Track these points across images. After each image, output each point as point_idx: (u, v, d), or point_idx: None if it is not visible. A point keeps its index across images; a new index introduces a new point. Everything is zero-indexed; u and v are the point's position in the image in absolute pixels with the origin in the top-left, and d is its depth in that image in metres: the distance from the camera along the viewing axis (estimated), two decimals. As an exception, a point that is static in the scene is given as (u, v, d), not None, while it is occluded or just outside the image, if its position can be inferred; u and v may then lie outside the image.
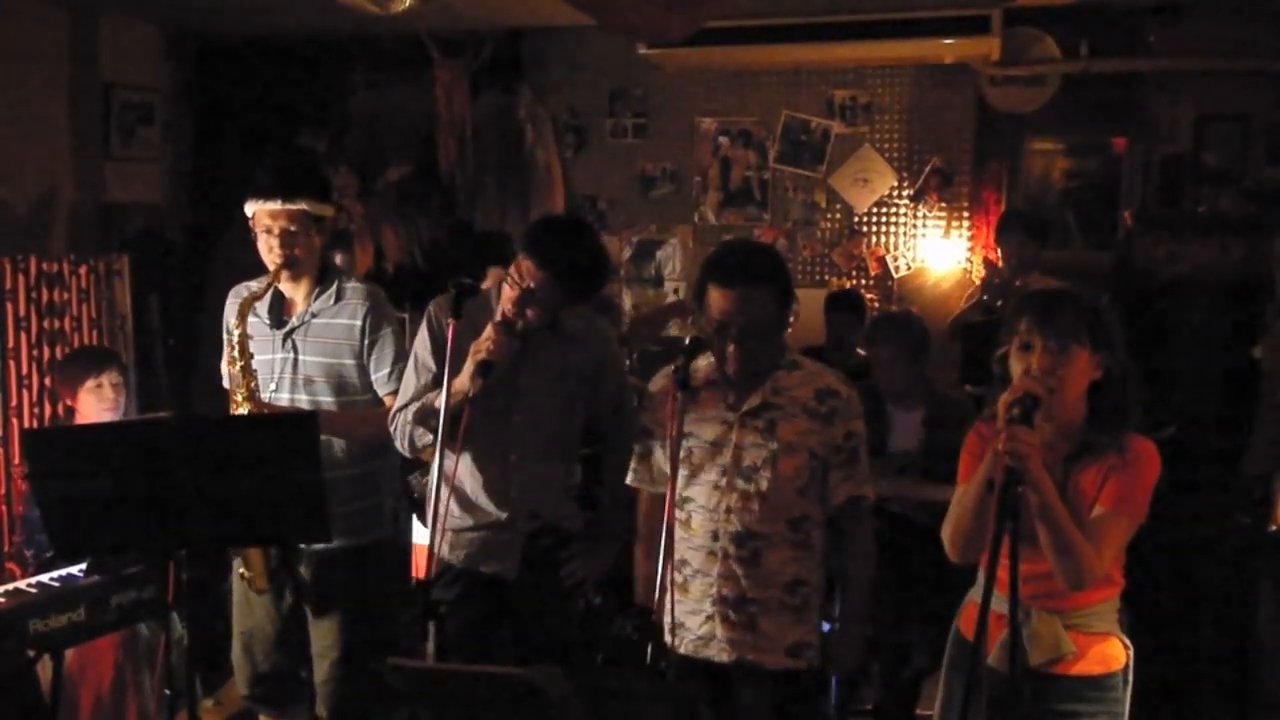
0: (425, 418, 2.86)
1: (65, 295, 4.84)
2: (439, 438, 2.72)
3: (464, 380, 2.73)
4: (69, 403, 3.99)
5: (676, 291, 5.99)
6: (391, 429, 2.95)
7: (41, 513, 2.71)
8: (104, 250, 5.30)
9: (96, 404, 3.87)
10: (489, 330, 2.76)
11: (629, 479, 2.87)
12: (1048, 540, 2.24)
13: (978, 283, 5.36)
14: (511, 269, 2.83)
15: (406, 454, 3.00)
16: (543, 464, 2.97)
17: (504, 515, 2.95)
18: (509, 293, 2.82)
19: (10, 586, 3.25)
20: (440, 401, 2.72)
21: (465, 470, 2.97)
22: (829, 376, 2.75)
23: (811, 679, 2.73)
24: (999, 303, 4.84)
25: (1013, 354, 2.34)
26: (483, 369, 2.72)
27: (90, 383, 3.87)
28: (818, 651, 2.72)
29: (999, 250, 5.15)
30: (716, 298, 2.61)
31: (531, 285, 2.78)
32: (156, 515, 2.52)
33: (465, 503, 2.98)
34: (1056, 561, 2.25)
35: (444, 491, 2.80)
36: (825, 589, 2.82)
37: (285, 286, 3.15)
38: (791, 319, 2.88)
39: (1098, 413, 2.34)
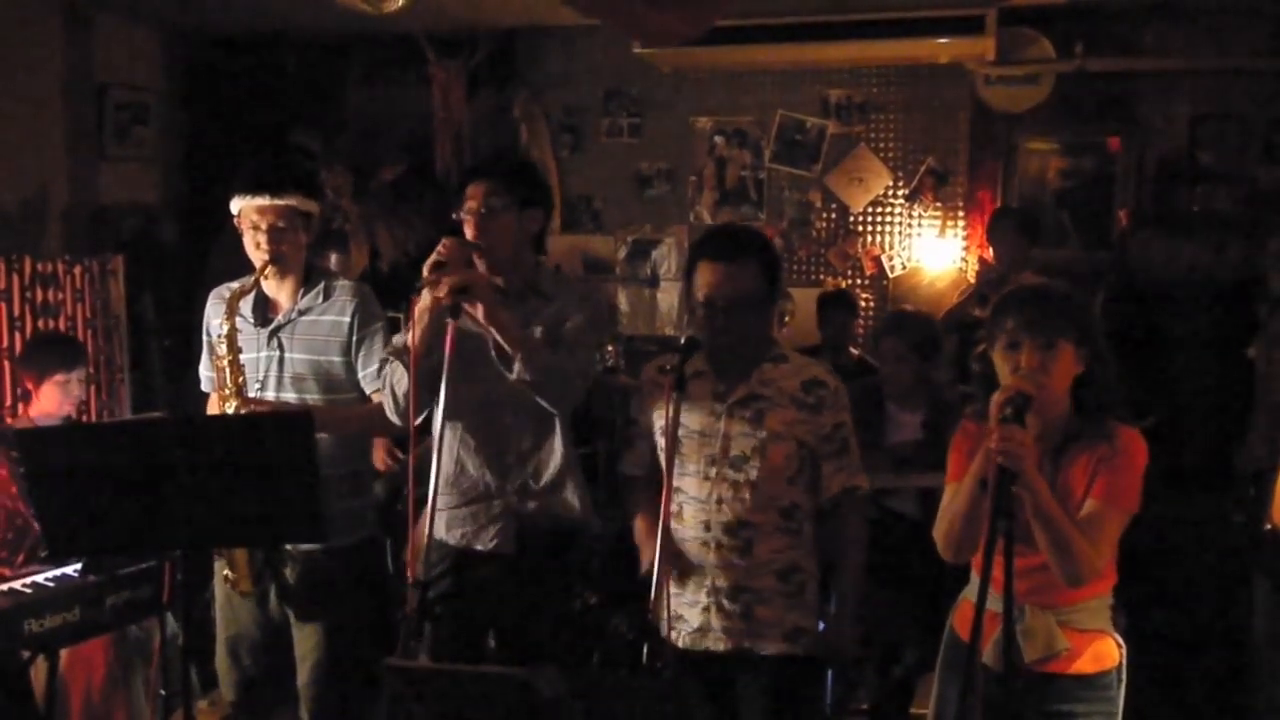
0: (399, 353, 2.82)
1: (60, 295, 4.85)
2: (414, 420, 2.70)
3: (424, 299, 2.71)
4: (28, 386, 3.89)
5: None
6: (384, 402, 2.92)
7: (37, 513, 2.71)
8: (99, 250, 5.30)
9: (61, 398, 3.82)
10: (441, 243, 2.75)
11: (622, 466, 2.90)
12: (1044, 539, 2.25)
13: (972, 280, 5.36)
14: (463, 211, 2.87)
15: (396, 418, 2.91)
16: (539, 426, 2.92)
17: (496, 481, 2.91)
18: (468, 230, 2.84)
19: (5, 587, 3.25)
20: (410, 345, 2.70)
21: (455, 440, 2.92)
22: (816, 368, 2.78)
23: (809, 666, 2.73)
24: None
25: (999, 352, 2.35)
26: (435, 268, 2.69)
27: (60, 377, 3.81)
28: (814, 638, 2.73)
29: (991, 249, 5.16)
30: (705, 273, 2.66)
31: (477, 205, 2.82)
32: (152, 515, 2.52)
33: (455, 477, 2.94)
34: (1054, 559, 2.26)
35: (438, 469, 2.78)
36: (820, 580, 2.82)
37: (270, 285, 3.11)
38: (786, 319, 2.91)
39: (1082, 404, 2.35)
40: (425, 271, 2.70)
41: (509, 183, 2.88)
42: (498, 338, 2.73)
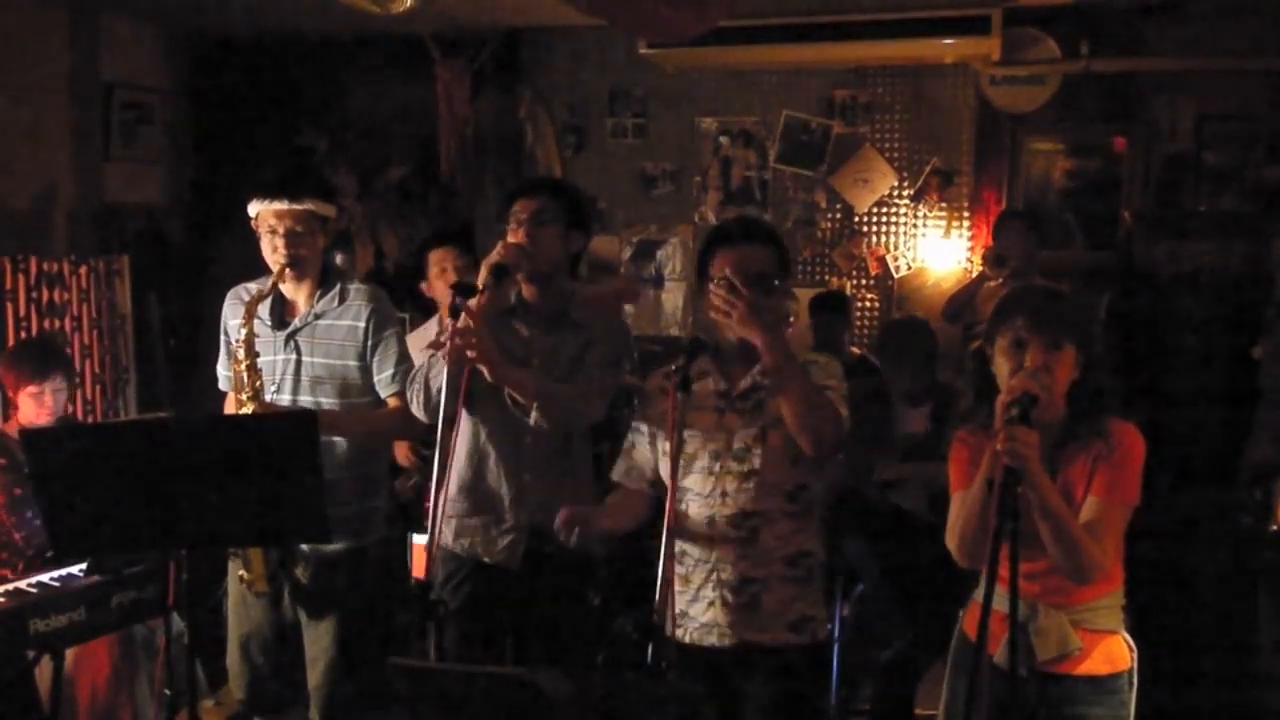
0: (441, 347, 2.80)
1: (65, 295, 4.86)
2: (439, 426, 2.72)
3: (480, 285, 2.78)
4: (9, 394, 3.87)
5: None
6: (409, 395, 2.94)
7: (42, 513, 2.72)
8: (104, 250, 5.31)
9: (35, 409, 3.78)
10: (499, 245, 2.85)
11: (614, 474, 2.89)
12: (1051, 538, 2.25)
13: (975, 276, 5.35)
14: (510, 221, 2.93)
15: (424, 415, 2.93)
16: (558, 446, 2.96)
17: (511, 495, 2.94)
18: (512, 237, 2.90)
19: (10, 586, 3.25)
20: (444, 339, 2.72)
21: (476, 450, 2.96)
22: (811, 353, 2.83)
23: (813, 656, 2.75)
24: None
25: (1002, 351, 2.36)
26: (497, 272, 2.76)
27: (32, 388, 3.77)
28: (821, 626, 2.73)
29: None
30: (723, 257, 2.69)
31: (528, 215, 2.90)
32: (156, 515, 2.52)
33: (470, 486, 2.97)
34: (1061, 558, 2.26)
35: (449, 478, 2.79)
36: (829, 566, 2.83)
37: (287, 288, 3.13)
38: (791, 319, 2.92)
39: (1076, 405, 2.37)
40: (484, 271, 2.78)
41: (559, 200, 2.98)
42: (510, 392, 2.80)
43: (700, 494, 2.70)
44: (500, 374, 2.77)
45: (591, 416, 2.93)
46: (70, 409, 4.05)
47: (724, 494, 2.68)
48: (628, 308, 6.00)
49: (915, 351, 4.11)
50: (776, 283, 2.71)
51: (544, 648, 2.95)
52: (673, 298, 6.03)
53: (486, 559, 2.97)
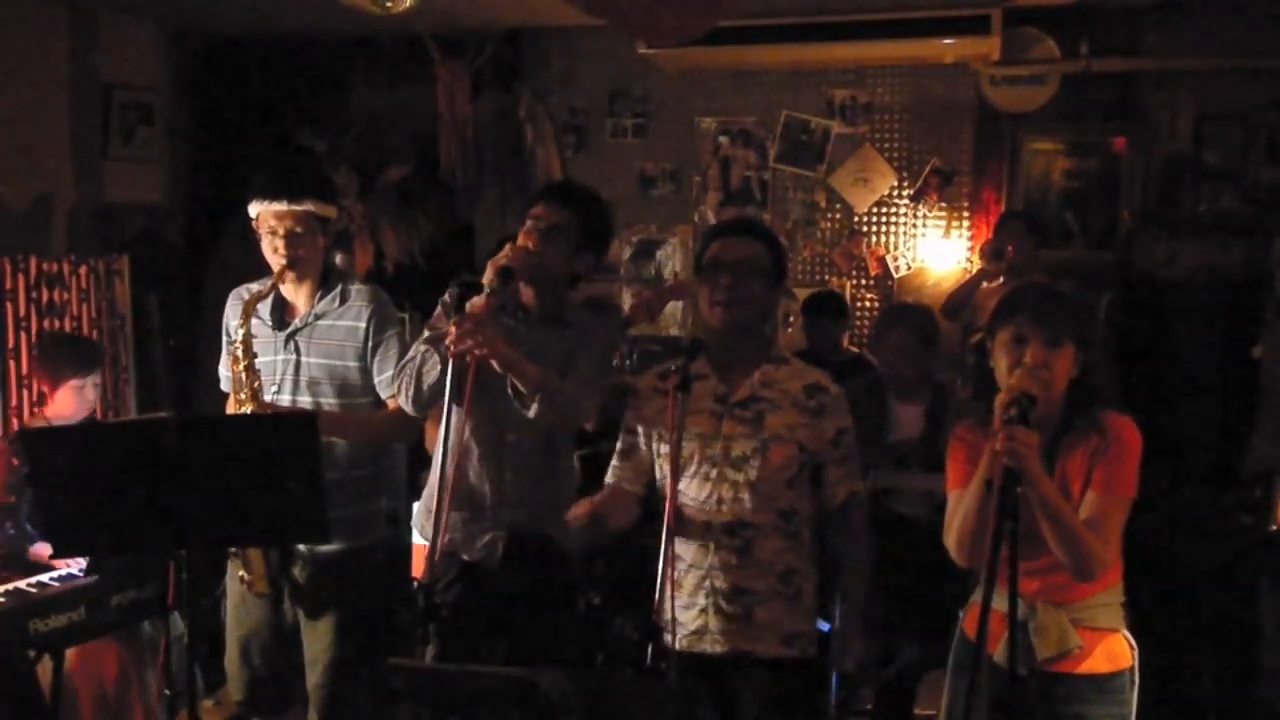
0: (436, 341, 2.80)
1: (65, 295, 4.85)
2: (443, 432, 2.71)
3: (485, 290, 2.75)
4: (43, 388, 3.86)
5: (676, 274, 5.95)
6: (397, 386, 2.91)
7: (41, 512, 2.72)
8: (104, 250, 5.30)
9: (76, 402, 3.79)
10: (506, 248, 2.81)
11: (608, 476, 2.88)
12: (1053, 536, 2.25)
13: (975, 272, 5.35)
14: (527, 222, 2.89)
15: (411, 408, 2.89)
16: (542, 446, 2.94)
17: (492, 495, 2.92)
18: (525, 238, 2.85)
19: (10, 586, 3.25)
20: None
21: (459, 446, 2.88)
22: (817, 374, 2.80)
23: (807, 669, 2.74)
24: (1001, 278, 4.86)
25: (1002, 346, 2.37)
26: (503, 274, 2.73)
27: (76, 382, 3.79)
28: (812, 641, 2.73)
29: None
30: (716, 247, 2.73)
31: (544, 225, 2.86)
32: (156, 515, 2.52)
33: (454, 483, 2.93)
34: (1064, 556, 2.27)
35: (444, 481, 2.78)
36: (820, 586, 2.82)
37: (287, 288, 3.13)
38: (791, 319, 2.92)
39: (1075, 401, 2.38)
40: (489, 272, 2.74)
41: (578, 218, 2.91)
42: (515, 381, 2.75)
43: (695, 499, 2.69)
44: (508, 361, 2.71)
45: (586, 415, 2.91)
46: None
47: (720, 501, 2.67)
48: (627, 307, 6.01)
49: (911, 329, 4.07)
50: (772, 275, 2.72)
51: (532, 648, 2.93)
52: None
53: (466, 557, 2.95)
